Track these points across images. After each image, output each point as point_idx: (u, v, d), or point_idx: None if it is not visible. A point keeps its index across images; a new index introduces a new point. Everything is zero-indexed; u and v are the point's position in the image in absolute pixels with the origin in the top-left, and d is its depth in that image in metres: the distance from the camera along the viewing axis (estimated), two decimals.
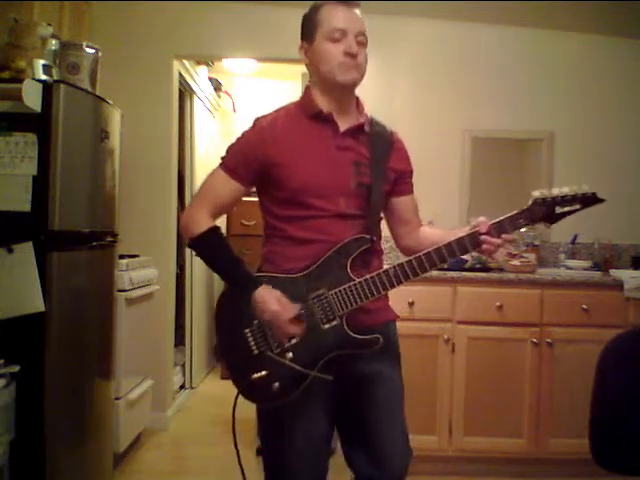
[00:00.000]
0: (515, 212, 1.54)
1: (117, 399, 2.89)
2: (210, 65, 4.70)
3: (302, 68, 1.73)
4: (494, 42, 3.63)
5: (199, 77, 4.41)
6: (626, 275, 3.01)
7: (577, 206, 1.52)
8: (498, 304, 2.97)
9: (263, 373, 1.54)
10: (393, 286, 1.55)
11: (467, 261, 3.08)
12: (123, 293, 2.94)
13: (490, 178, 3.65)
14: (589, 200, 1.51)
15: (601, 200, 1.51)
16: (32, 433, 2.16)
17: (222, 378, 4.80)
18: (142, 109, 3.49)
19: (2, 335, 2.11)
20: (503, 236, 1.52)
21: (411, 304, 2.93)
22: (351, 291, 1.54)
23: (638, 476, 1.47)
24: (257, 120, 1.65)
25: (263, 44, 3.60)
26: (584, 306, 2.96)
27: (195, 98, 4.41)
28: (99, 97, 2.58)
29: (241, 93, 5.28)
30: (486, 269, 3.13)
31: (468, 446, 2.99)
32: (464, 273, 3.01)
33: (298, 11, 1.67)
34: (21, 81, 2.13)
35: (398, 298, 2.91)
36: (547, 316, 2.98)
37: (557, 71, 3.62)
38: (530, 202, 1.53)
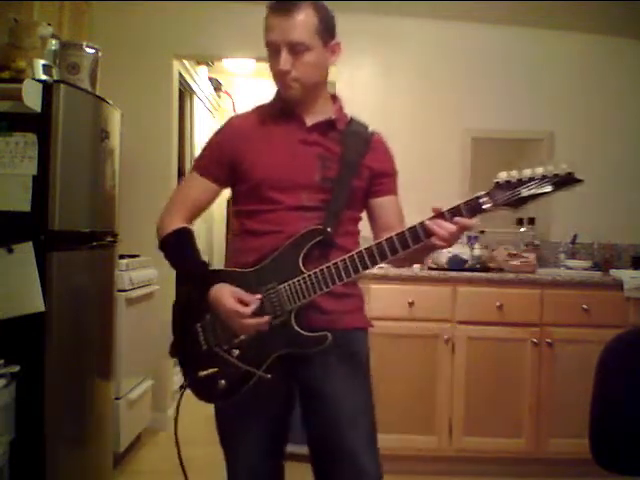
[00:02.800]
0: (473, 195, 1.42)
1: (117, 399, 2.89)
2: (210, 65, 4.70)
3: None
4: (494, 42, 3.63)
5: (199, 77, 4.41)
6: (626, 275, 3.01)
7: (548, 188, 1.37)
8: (498, 304, 2.96)
9: (209, 370, 1.51)
10: (342, 279, 1.43)
11: (467, 261, 3.08)
12: (123, 293, 2.94)
13: (490, 178, 3.62)
14: (564, 181, 1.37)
15: (578, 180, 1.38)
16: (32, 433, 2.15)
17: None
18: (142, 109, 3.49)
19: (2, 335, 2.10)
20: (456, 219, 1.38)
21: (411, 304, 2.90)
22: (300, 285, 1.45)
23: (638, 476, 1.46)
24: (230, 119, 1.68)
25: (263, 44, 3.58)
26: (584, 306, 2.96)
27: (195, 98, 4.41)
28: (99, 97, 2.58)
29: (241, 93, 5.28)
30: (486, 269, 3.13)
31: (468, 446, 2.99)
32: (464, 273, 3.01)
33: None
34: (21, 81, 2.13)
35: (398, 298, 2.90)
36: (547, 316, 2.98)
37: (557, 71, 3.62)
38: (493, 185, 1.43)
